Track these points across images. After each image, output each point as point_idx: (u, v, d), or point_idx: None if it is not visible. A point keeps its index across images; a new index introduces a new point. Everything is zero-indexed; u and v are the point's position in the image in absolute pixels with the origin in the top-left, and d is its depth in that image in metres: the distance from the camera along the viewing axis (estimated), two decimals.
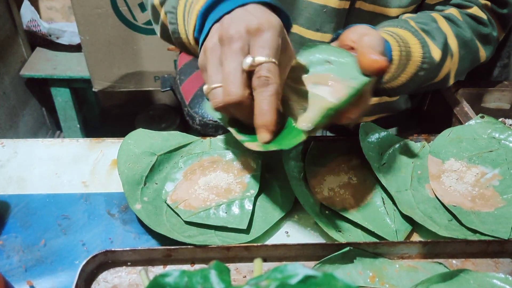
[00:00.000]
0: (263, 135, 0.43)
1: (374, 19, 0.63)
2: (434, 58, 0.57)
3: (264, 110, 0.41)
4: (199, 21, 0.48)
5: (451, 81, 0.64)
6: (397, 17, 0.64)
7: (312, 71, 0.49)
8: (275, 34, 0.42)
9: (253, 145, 0.44)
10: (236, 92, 0.41)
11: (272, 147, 0.43)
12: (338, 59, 0.48)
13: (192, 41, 0.51)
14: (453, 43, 0.61)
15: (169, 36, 0.58)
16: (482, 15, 0.65)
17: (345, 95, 0.44)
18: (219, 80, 0.42)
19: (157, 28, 0.62)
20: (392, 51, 0.53)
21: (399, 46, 0.54)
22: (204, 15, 0.47)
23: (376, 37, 0.47)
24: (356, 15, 0.63)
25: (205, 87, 0.44)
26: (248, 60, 0.41)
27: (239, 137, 0.47)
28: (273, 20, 0.42)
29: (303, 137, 0.43)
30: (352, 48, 0.48)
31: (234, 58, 0.41)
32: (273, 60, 0.41)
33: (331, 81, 0.46)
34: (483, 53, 0.66)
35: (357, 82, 0.45)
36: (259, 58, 0.41)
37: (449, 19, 0.63)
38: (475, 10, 0.65)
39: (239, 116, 0.45)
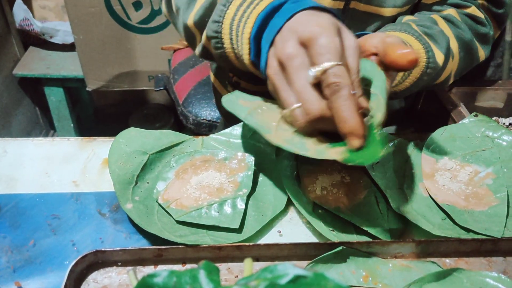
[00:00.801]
0: (353, 142, 0.40)
1: (369, 19, 0.63)
2: (437, 63, 0.57)
3: (344, 117, 0.39)
4: (253, 46, 0.47)
5: (451, 81, 0.64)
6: (392, 17, 0.63)
7: None
8: (330, 35, 0.39)
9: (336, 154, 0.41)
10: (314, 108, 0.40)
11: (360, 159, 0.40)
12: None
13: (249, 65, 0.49)
14: (454, 45, 0.61)
15: (211, 57, 0.57)
16: (480, 15, 0.65)
17: (382, 105, 0.42)
18: (294, 101, 0.41)
19: (195, 49, 0.60)
20: None
21: None
22: (256, 38, 0.46)
23: (397, 38, 0.46)
24: (351, 15, 0.63)
25: (283, 113, 0.44)
26: (311, 72, 0.39)
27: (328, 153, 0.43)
28: (323, 21, 0.40)
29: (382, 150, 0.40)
30: (373, 54, 0.46)
31: (299, 75, 0.40)
32: (337, 62, 0.39)
33: None
34: (482, 53, 0.66)
35: (382, 90, 0.43)
36: (322, 66, 0.39)
37: (448, 20, 0.63)
38: (473, 10, 0.65)
39: (326, 128, 0.43)
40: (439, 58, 0.58)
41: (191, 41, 0.60)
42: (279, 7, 0.45)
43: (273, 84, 0.43)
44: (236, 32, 0.49)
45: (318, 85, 0.40)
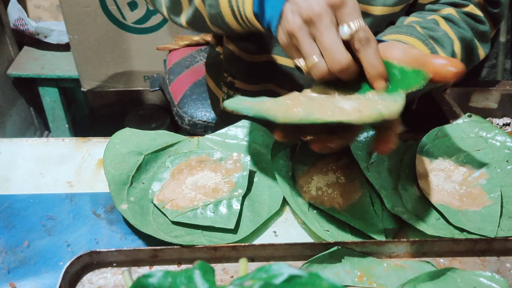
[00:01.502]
0: (379, 83, 0.45)
1: None
2: None
3: (374, 62, 0.44)
4: None
5: (452, 82, 0.65)
6: (383, 16, 0.63)
7: None
8: (355, 0, 0.44)
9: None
10: (344, 59, 0.43)
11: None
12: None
13: (251, 18, 0.51)
14: (457, 46, 0.61)
15: (201, 20, 0.58)
16: (479, 13, 0.65)
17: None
18: (318, 53, 0.44)
19: (179, 19, 0.62)
20: None
21: None
22: None
23: (420, 51, 0.47)
24: None
25: (302, 64, 0.46)
26: (345, 29, 0.43)
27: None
28: None
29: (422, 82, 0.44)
30: None
31: (330, 31, 0.43)
32: (363, 22, 0.43)
33: None
34: (482, 52, 0.66)
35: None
36: (354, 24, 0.43)
37: (449, 20, 0.63)
38: (471, 9, 0.65)
39: (347, 78, 0.46)
40: None
41: (176, 10, 0.61)
42: None
43: (296, 38, 0.45)
44: None
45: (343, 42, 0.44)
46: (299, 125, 0.43)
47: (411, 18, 0.64)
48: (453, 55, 0.59)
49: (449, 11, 0.64)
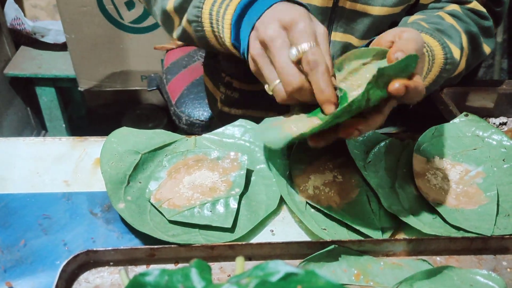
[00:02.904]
0: (328, 107, 0.46)
1: (357, 18, 0.63)
2: (455, 58, 0.58)
3: (322, 87, 0.45)
4: (234, 30, 0.53)
5: (461, 76, 0.65)
6: (383, 16, 0.64)
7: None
8: (307, 21, 0.46)
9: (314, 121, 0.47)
10: (294, 80, 0.45)
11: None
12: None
13: (230, 47, 0.55)
14: (464, 39, 0.62)
15: (190, 39, 0.61)
16: (482, 9, 0.66)
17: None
18: (276, 77, 0.47)
19: (171, 33, 0.65)
20: None
21: (426, 51, 0.55)
22: (237, 23, 0.52)
23: (415, 32, 0.47)
24: (340, 13, 0.63)
25: (266, 87, 0.49)
26: (293, 51, 0.45)
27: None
28: (301, 10, 0.47)
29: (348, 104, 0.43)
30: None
31: (281, 53, 0.45)
32: (314, 44, 0.45)
33: None
34: (487, 47, 0.67)
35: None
36: (302, 46, 0.45)
37: (454, 15, 0.63)
38: (475, 5, 0.66)
39: (305, 100, 0.48)
40: (456, 53, 0.59)
41: (168, 25, 0.64)
42: None
43: (256, 63, 0.48)
44: (216, 17, 0.55)
45: (297, 63, 0.46)
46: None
47: (415, 16, 0.64)
48: (461, 47, 0.60)
49: (453, 7, 0.65)
